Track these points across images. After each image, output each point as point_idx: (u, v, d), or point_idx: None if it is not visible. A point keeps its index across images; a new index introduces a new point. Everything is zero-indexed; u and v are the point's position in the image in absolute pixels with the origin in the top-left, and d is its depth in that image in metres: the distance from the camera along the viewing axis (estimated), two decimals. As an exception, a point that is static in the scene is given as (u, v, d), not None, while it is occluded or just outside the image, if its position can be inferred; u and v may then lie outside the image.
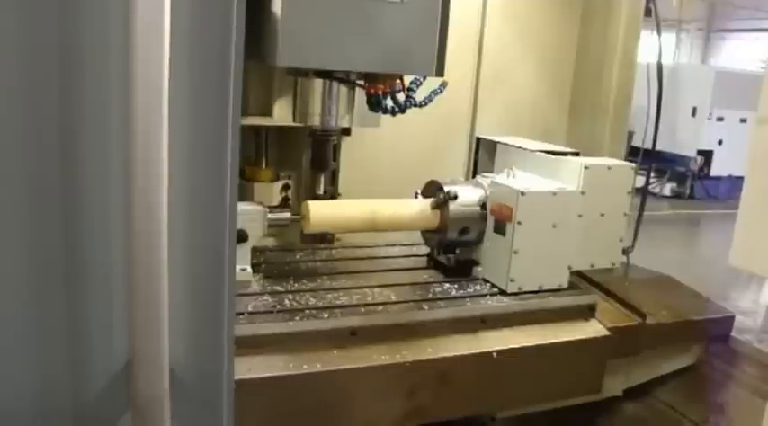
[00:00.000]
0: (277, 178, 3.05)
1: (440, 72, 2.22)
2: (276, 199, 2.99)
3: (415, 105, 2.39)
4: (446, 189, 2.38)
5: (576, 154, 2.54)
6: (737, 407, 2.59)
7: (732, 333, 2.90)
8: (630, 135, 4.44)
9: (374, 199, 2.40)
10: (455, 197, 2.36)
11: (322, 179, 2.40)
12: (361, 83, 2.29)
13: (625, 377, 2.58)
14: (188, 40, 1.08)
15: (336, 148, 2.95)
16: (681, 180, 12.25)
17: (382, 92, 2.28)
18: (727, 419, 2.55)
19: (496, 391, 2.19)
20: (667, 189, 12.23)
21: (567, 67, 3.56)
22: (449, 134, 3.30)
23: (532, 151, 2.52)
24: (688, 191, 12.21)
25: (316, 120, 2.30)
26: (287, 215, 2.28)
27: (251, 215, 2.17)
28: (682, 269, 3.92)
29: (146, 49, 0.99)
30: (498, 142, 2.71)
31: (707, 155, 12.04)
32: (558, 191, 2.29)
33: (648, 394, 2.70)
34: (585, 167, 2.32)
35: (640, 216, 3.14)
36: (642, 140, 3.32)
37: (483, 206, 2.39)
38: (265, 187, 2.99)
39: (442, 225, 2.38)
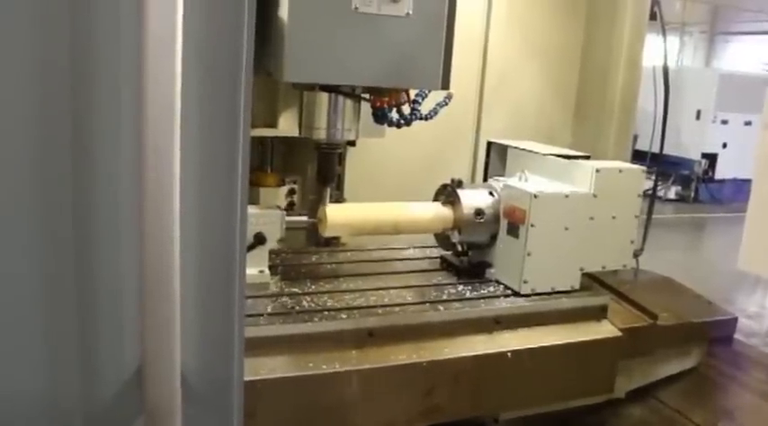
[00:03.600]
0: (282, 183, 3.09)
1: (445, 85, 2.23)
2: (281, 204, 3.02)
3: (421, 118, 2.40)
4: (453, 179, 2.44)
5: (587, 157, 2.58)
6: (746, 412, 2.58)
7: (739, 337, 2.93)
8: (635, 138, 4.47)
9: (389, 202, 2.45)
10: (460, 183, 2.42)
11: (328, 192, 2.41)
12: (367, 96, 2.31)
13: (627, 380, 2.59)
14: (199, 49, 1.08)
15: (341, 155, 2.97)
16: (685, 183, 12.26)
17: (387, 105, 2.29)
18: (735, 424, 2.55)
19: (511, 390, 2.23)
20: (672, 192, 12.24)
21: (572, 71, 3.57)
22: (453, 139, 3.31)
23: (544, 155, 2.56)
24: (692, 195, 12.21)
25: (321, 134, 2.31)
26: (304, 218, 2.33)
27: (269, 218, 2.21)
28: (687, 272, 3.94)
29: (156, 57, 0.99)
30: (509, 146, 2.74)
31: (711, 159, 12.05)
32: (570, 194, 2.33)
33: (655, 397, 2.70)
34: (597, 170, 2.35)
35: (649, 219, 3.15)
36: (649, 144, 3.35)
37: (496, 208, 2.42)
38: (271, 192, 3.02)
39: (457, 225, 2.42)
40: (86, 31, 1.02)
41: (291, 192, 3.14)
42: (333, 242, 2.86)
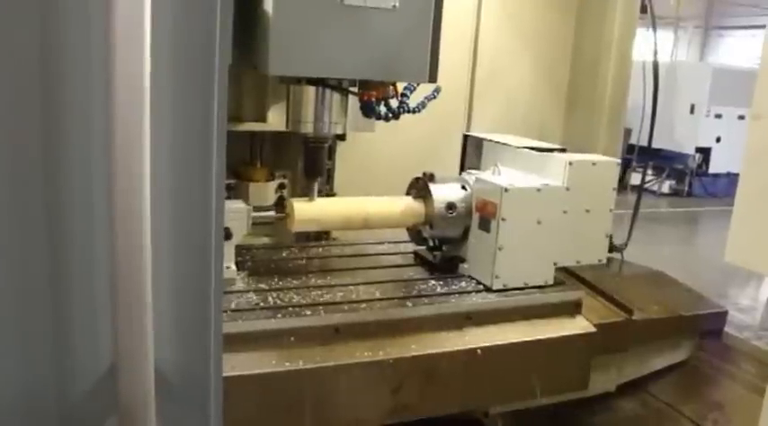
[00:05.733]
0: (272, 178, 3.06)
1: (433, 78, 2.21)
2: (271, 199, 2.99)
3: (409, 111, 2.37)
4: (425, 173, 2.40)
5: (563, 150, 2.54)
6: (735, 405, 2.57)
7: (730, 330, 2.89)
8: (628, 132, 4.43)
9: (361, 196, 2.40)
10: (432, 176, 2.38)
11: (315, 186, 2.39)
12: (354, 89, 2.28)
13: (617, 373, 2.57)
14: (170, 38, 1.07)
15: (331, 149, 2.95)
16: (679, 177, 12.26)
17: (375, 98, 2.27)
18: (726, 416, 2.54)
19: (482, 388, 2.19)
20: (666, 186, 12.23)
21: (563, 65, 3.55)
22: (445, 134, 3.27)
23: (518, 147, 2.52)
24: (687, 189, 12.21)
25: (309, 128, 2.29)
26: (271, 213, 2.29)
27: (235, 213, 2.17)
28: (680, 266, 3.92)
29: (126, 48, 0.98)
30: (485, 139, 2.70)
31: (705, 153, 12.04)
32: (542, 187, 2.29)
33: (646, 391, 2.68)
34: (570, 163, 2.32)
35: (635, 213, 3.13)
36: (638, 138, 3.32)
37: (468, 202, 2.38)
38: (260, 187, 2.98)
39: (428, 219, 2.38)
40: (55, 25, 1.01)
41: (281, 187, 3.10)
42: (323, 236, 2.84)
